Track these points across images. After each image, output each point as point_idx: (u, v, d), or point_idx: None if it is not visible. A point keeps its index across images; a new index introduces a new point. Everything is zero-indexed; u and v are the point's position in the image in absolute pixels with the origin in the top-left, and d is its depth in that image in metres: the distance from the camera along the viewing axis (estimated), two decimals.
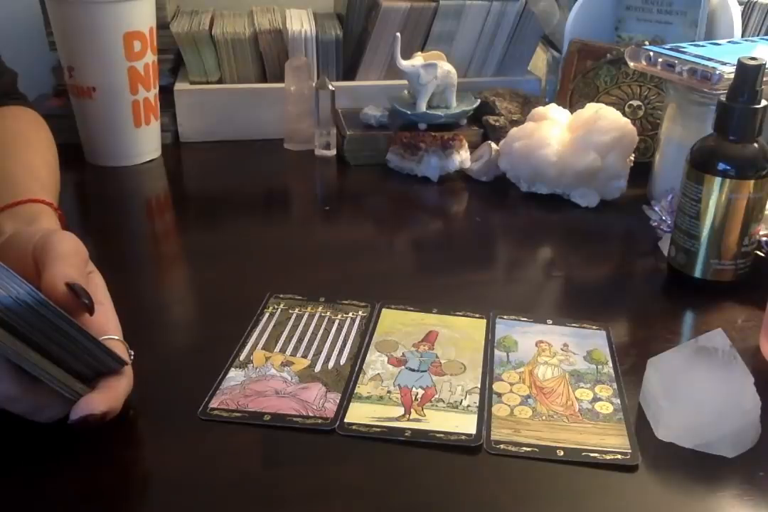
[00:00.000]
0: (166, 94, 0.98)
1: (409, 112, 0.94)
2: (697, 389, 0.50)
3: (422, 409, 0.52)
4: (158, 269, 0.74)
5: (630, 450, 0.49)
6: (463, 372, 0.57)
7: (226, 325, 0.62)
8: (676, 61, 0.75)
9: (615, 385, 0.56)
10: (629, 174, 0.85)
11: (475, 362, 0.58)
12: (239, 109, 1.01)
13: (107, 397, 0.46)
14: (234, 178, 0.92)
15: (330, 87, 0.94)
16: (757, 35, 0.94)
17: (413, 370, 0.57)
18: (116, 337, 0.50)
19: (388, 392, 0.54)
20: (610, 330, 0.62)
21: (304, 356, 0.58)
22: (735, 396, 0.49)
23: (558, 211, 0.84)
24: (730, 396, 0.49)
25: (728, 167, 0.63)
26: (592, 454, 0.49)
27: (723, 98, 0.64)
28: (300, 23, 1.01)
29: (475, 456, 0.49)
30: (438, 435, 0.50)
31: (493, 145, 0.90)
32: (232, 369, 0.56)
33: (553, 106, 0.89)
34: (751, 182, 0.63)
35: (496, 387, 0.55)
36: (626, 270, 0.74)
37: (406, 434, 0.50)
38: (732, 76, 0.64)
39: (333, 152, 0.97)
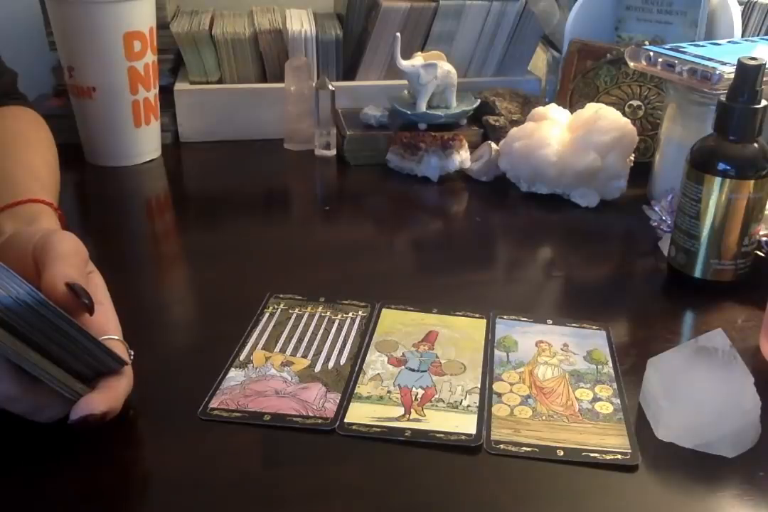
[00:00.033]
0: (166, 94, 0.98)
1: (409, 112, 0.94)
2: (697, 389, 0.50)
3: (422, 409, 0.52)
4: (158, 269, 0.74)
5: (630, 450, 0.49)
6: (463, 372, 0.57)
7: (226, 325, 0.62)
8: (676, 61, 0.75)
9: (615, 385, 0.56)
10: (629, 174, 0.85)
11: (475, 362, 0.58)
12: (239, 109, 1.01)
13: (107, 397, 0.46)
14: (234, 178, 0.92)
15: (330, 87, 0.94)
16: (757, 35, 0.94)
17: (413, 370, 0.57)
18: (116, 337, 0.50)
19: (388, 392, 0.54)
20: (610, 330, 0.62)
21: (304, 356, 0.58)
22: (735, 396, 0.49)
23: (558, 211, 0.84)
24: (730, 396, 0.49)
25: (728, 167, 0.63)
26: (592, 454, 0.49)
27: (723, 98, 0.64)
28: (300, 23, 1.01)
29: (475, 456, 0.49)
30: (438, 435, 0.50)
31: (493, 145, 0.90)
32: (232, 369, 0.56)
33: (553, 106, 0.89)
34: (751, 182, 0.63)
35: (496, 387, 0.55)
36: (626, 270, 0.74)
37: (406, 434, 0.50)
38: (732, 76, 0.64)
39: (333, 152, 0.97)
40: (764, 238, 0.68)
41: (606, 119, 0.83)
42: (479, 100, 0.98)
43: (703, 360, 0.51)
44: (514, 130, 0.87)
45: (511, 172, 0.88)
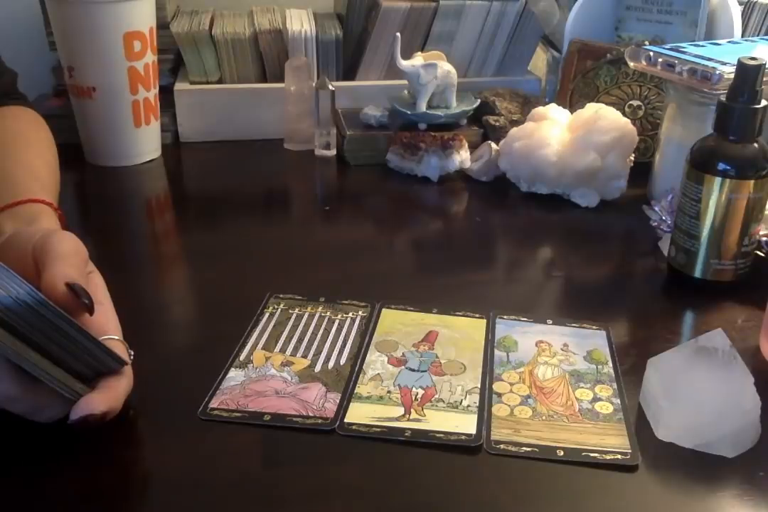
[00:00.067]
0: (166, 94, 0.98)
1: (409, 112, 0.94)
2: (697, 389, 0.50)
3: (422, 409, 0.52)
4: (158, 269, 0.74)
5: (630, 450, 0.49)
6: (463, 372, 0.57)
7: (226, 325, 0.62)
8: (676, 61, 0.75)
9: (615, 385, 0.56)
10: (629, 174, 0.85)
11: (475, 362, 0.58)
12: (239, 109, 1.01)
13: (107, 397, 0.46)
14: (234, 178, 0.92)
15: (330, 87, 0.94)
16: (757, 35, 0.94)
17: (413, 370, 0.57)
18: (116, 337, 0.50)
19: (388, 392, 0.54)
20: (610, 330, 0.62)
21: (304, 356, 0.58)
22: (735, 396, 0.49)
23: (558, 211, 0.84)
24: (730, 396, 0.49)
25: (728, 167, 0.63)
26: (592, 454, 0.49)
27: (723, 98, 0.64)
28: (300, 23, 1.01)
29: (475, 456, 0.49)
30: (438, 435, 0.50)
31: (493, 145, 0.90)
32: (232, 369, 0.56)
33: (553, 106, 0.89)
34: (751, 182, 0.63)
35: (496, 387, 0.55)
36: (626, 270, 0.74)
37: (406, 434, 0.50)
38: (732, 76, 0.64)
39: (333, 152, 0.97)
40: (764, 238, 0.68)
41: (606, 119, 0.83)
42: (479, 100, 0.98)
43: (703, 360, 0.51)
44: (514, 130, 0.87)
45: (511, 172, 0.88)
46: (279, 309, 0.64)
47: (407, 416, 0.52)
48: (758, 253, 0.69)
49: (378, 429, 0.50)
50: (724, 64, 0.73)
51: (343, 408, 0.52)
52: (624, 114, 0.88)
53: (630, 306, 0.67)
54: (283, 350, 0.58)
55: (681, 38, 0.90)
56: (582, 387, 0.55)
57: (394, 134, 0.93)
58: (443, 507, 0.45)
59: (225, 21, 1.03)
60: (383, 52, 1.03)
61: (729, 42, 0.84)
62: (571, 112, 0.87)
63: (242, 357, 0.57)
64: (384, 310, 0.64)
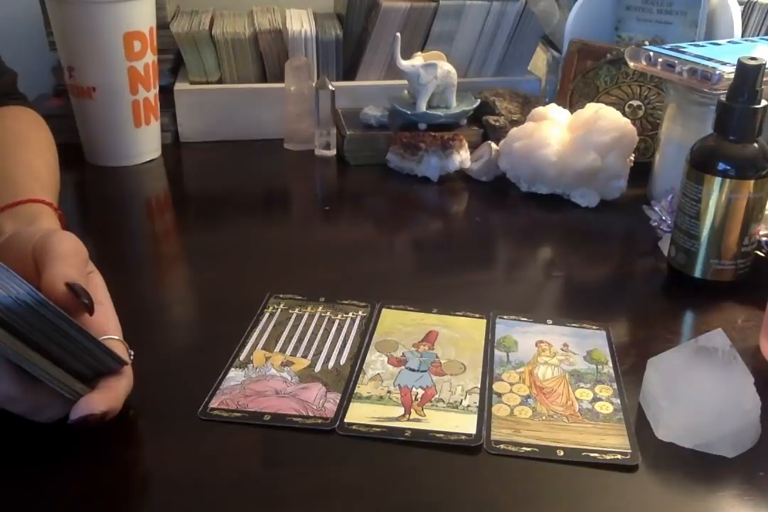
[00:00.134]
0: (166, 94, 0.98)
1: (409, 112, 0.94)
2: (697, 389, 0.50)
3: (422, 409, 0.52)
4: (158, 269, 0.74)
5: (630, 450, 0.49)
6: (463, 372, 0.57)
7: (226, 325, 0.62)
8: (676, 61, 0.75)
9: (615, 385, 0.56)
10: (629, 174, 0.85)
11: (475, 362, 0.58)
12: (239, 109, 1.01)
13: (107, 397, 0.46)
14: (234, 178, 0.92)
15: (330, 87, 0.94)
16: (757, 35, 0.94)
17: (413, 370, 0.57)
18: (116, 337, 0.50)
19: (388, 392, 0.54)
20: (610, 330, 0.62)
21: (304, 356, 0.58)
22: (735, 396, 0.49)
23: (558, 211, 0.84)
24: (730, 396, 0.49)
25: (728, 167, 0.63)
26: (592, 454, 0.49)
27: (723, 98, 0.64)
28: (300, 23, 1.01)
29: (475, 456, 0.49)
30: (438, 435, 0.50)
31: (493, 145, 0.90)
32: (232, 369, 0.56)
33: (553, 106, 0.89)
34: (751, 182, 0.63)
35: (496, 387, 0.55)
36: (626, 270, 0.74)
37: (406, 434, 0.50)
38: (732, 76, 0.64)
39: (333, 152, 0.97)
40: (764, 238, 0.68)
41: (606, 119, 0.83)
42: (479, 100, 0.98)
43: (703, 360, 0.51)
44: (514, 130, 0.87)
45: (511, 172, 0.88)
46: (279, 309, 0.64)
47: (407, 416, 0.52)
48: (758, 252, 0.69)
49: (378, 429, 0.50)
50: (724, 64, 0.73)
51: (343, 408, 0.52)
52: (624, 114, 0.88)
53: (630, 306, 0.67)
54: (283, 350, 0.58)
55: (681, 38, 0.90)
56: (582, 387, 0.55)
57: (394, 134, 0.93)
58: (443, 507, 0.45)
59: (225, 21, 1.03)
60: (383, 52, 1.03)
61: (729, 42, 0.84)
62: (571, 112, 0.87)
63: (242, 357, 0.57)
64: (384, 310, 0.64)
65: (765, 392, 0.50)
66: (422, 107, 0.94)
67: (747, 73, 0.62)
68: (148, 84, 0.92)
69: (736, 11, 0.91)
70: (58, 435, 0.47)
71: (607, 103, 0.87)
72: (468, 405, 0.53)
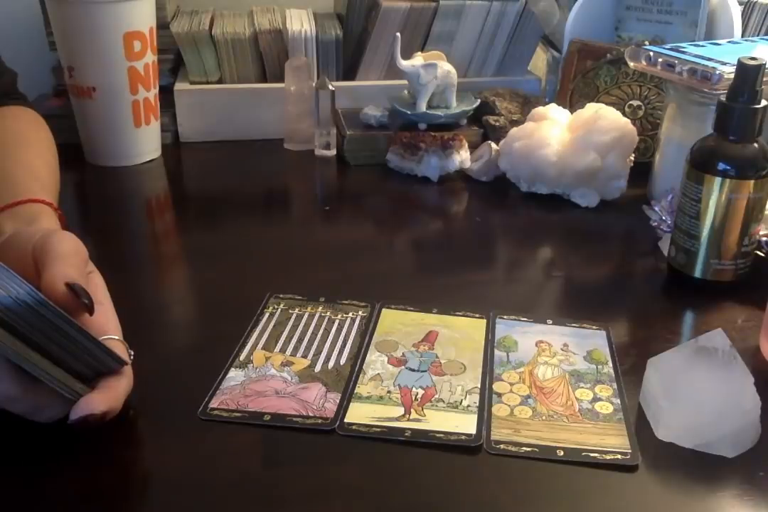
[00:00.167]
0: (166, 94, 0.98)
1: (409, 112, 0.94)
2: (697, 389, 0.50)
3: (422, 409, 0.52)
4: (158, 269, 0.74)
5: (630, 450, 0.49)
6: (463, 372, 0.57)
7: (226, 325, 0.62)
8: (676, 61, 0.75)
9: (615, 385, 0.56)
10: (629, 174, 0.85)
11: (475, 362, 0.58)
12: (239, 109, 1.01)
13: (107, 397, 0.46)
14: (234, 178, 0.92)
15: (330, 87, 0.94)
16: (757, 35, 0.94)
17: (413, 370, 0.57)
18: (116, 337, 0.50)
19: (388, 392, 0.54)
20: (610, 330, 0.62)
21: (304, 356, 0.58)
22: (735, 396, 0.49)
23: (558, 211, 0.84)
24: (730, 396, 0.49)
25: (728, 167, 0.63)
26: (592, 454, 0.49)
27: (723, 98, 0.64)
28: (300, 23, 1.01)
29: (475, 456, 0.49)
30: (438, 435, 0.50)
31: (493, 145, 0.90)
32: (232, 369, 0.56)
33: (553, 106, 0.89)
34: (751, 182, 0.63)
35: (496, 387, 0.55)
36: (626, 270, 0.74)
37: (406, 434, 0.50)
38: (732, 76, 0.64)
39: (333, 152, 0.97)
40: (764, 238, 0.68)
41: (606, 119, 0.83)
42: (479, 100, 0.98)
43: (703, 360, 0.51)
44: (514, 130, 0.87)
45: (511, 172, 0.88)
46: (279, 309, 0.64)
47: (407, 416, 0.52)
48: (758, 252, 0.69)
49: (378, 429, 0.50)
50: (724, 64, 0.73)
51: (343, 408, 0.52)
52: (624, 114, 0.88)
53: (630, 306, 0.67)
54: (283, 350, 0.58)
55: (681, 38, 0.90)
56: (582, 387, 0.55)
57: (394, 134, 0.93)
58: (443, 507, 0.45)
59: (225, 21, 1.03)
60: (383, 52, 1.03)
61: (729, 42, 0.84)
62: (571, 112, 0.87)
63: (242, 357, 0.57)
64: (384, 310, 0.64)
65: (765, 392, 0.50)
66: (422, 107, 0.94)
67: (747, 73, 0.62)
68: (148, 84, 0.92)
69: (736, 11, 0.91)
70: (58, 435, 0.47)
71: (607, 103, 0.87)
72: (468, 405, 0.53)
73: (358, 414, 0.52)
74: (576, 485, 0.47)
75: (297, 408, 0.52)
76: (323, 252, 0.75)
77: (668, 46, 0.80)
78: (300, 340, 0.60)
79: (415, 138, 0.91)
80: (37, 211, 0.59)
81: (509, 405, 0.53)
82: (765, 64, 0.62)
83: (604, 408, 0.53)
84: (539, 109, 0.88)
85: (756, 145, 0.64)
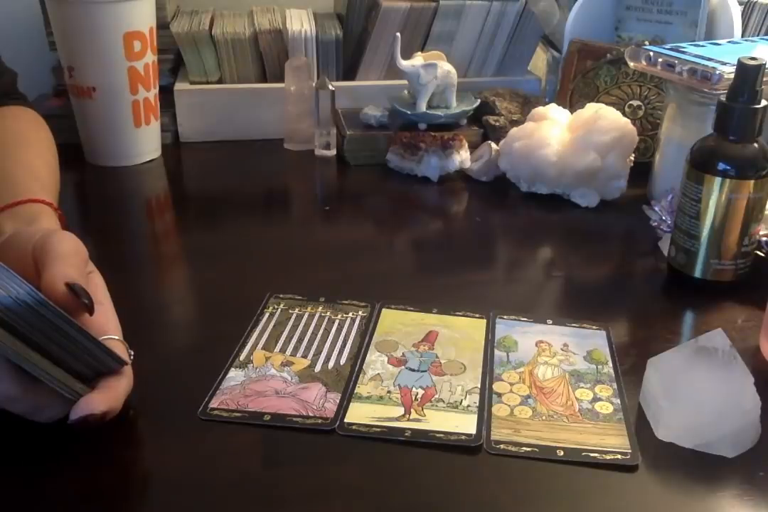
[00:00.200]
0: (166, 94, 0.98)
1: (409, 112, 0.94)
2: (697, 389, 0.50)
3: (422, 409, 0.52)
4: (158, 269, 0.74)
5: (630, 450, 0.49)
6: (463, 372, 0.57)
7: (226, 325, 0.62)
8: (676, 61, 0.75)
9: (615, 385, 0.56)
10: (629, 174, 0.85)
11: (475, 362, 0.58)
12: (239, 109, 1.01)
13: (107, 397, 0.46)
14: (234, 178, 0.92)
15: (330, 87, 0.94)
16: (757, 35, 0.94)
17: (413, 370, 0.57)
18: (116, 337, 0.50)
19: (388, 392, 0.54)
20: (610, 330, 0.62)
21: (304, 356, 0.58)
22: (735, 396, 0.49)
23: (558, 211, 0.84)
24: (730, 396, 0.49)
25: (728, 167, 0.63)
26: (592, 454, 0.49)
27: (723, 98, 0.64)
28: (300, 23, 1.01)
29: (475, 456, 0.49)
30: (438, 435, 0.50)
31: (493, 145, 0.90)
32: (232, 369, 0.56)
33: (553, 106, 0.89)
34: (751, 182, 0.63)
35: (496, 387, 0.55)
36: (626, 270, 0.74)
37: (406, 434, 0.50)
38: (732, 76, 0.64)
39: (333, 152, 0.97)
40: (764, 238, 0.68)
41: (606, 119, 0.83)
42: (479, 100, 0.98)
43: (703, 360, 0.51)
44: (514, 130, 0.87)
45: (511, 172, 0.88)
46: (279, 309, 0.64)
47: (407, 416, 0.52)
48: (758, 252, 0.69)
49: (378, 429, 0.50)
50: (724, 64, 0.73)
51: (343, 408, 0.52)
52: (624, 114, 0.88)
53: (630, 306, 0.67)
54: (283, 350, 0.58)
55: (681, 38, 0.90)
56: (582, 387, 0.55)
57: (394, 134, 0.93)
58: (443, 507, 0.45)
59: (225, 21, 1.03)
60: (383, 52, 1.03)
61: (729, 42, 0.84)
62: (571, 112, 0.87)
63: (242, 357, 0.57)
64: (384, 310, 0.64)
65: (765, 392, 0.50)
66: (422, 107, 0.94)
67: (747, 73, 0.62)
68: (148, 84, 0.92)
69: (736, 11, 0.91)
70: (58, 435, 0.47)
71: (607, 103, 0.87)
72: (468, 405, 0.53)
73: (358, 414, 0.52)
74: (576, 485, 0.47)
75: (297, 408, 0.52)
76: (323, 252, 0.75)
77: (668, 46, 0.80)
78: (300, 340, 0.60)
79: (415, 138, 0.91)
80: (37, 211, 0.59)
81: (509, 405, 0.53)
82: (765, 64, 0.62)
83: (604, 408, 0.53)
84: (539, 109, 0.88)
85: (756, 145, 0.64)
